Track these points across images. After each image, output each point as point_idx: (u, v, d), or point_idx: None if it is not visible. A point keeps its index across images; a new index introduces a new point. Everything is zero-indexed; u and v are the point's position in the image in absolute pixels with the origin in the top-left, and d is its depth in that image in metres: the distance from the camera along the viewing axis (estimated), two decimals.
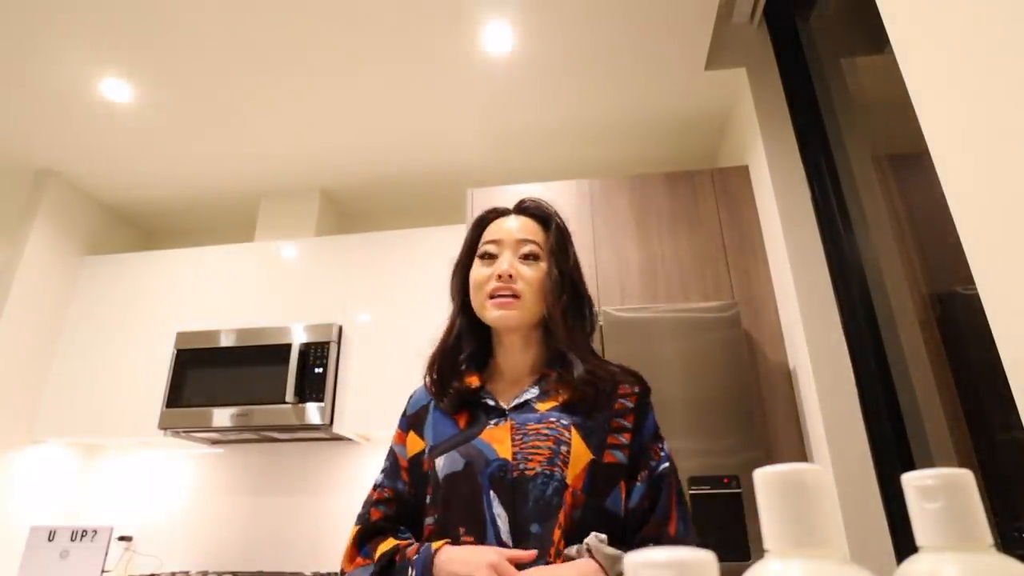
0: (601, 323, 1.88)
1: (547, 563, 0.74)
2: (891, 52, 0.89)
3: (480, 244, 0.97)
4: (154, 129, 2.53)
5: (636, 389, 0.89)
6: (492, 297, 0.90)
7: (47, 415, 2.61)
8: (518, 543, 0.76)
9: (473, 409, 0.90)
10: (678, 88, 2.36)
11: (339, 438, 2.55)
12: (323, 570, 2.46)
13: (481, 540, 0.78)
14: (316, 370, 2.41)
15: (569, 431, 0.82)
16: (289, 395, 2.35)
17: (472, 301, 0.95)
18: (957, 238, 0.76)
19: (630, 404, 0.87)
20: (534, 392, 0.88)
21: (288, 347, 2.45)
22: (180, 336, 2.56)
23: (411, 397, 1.04)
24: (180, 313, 2.70)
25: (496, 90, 2.36)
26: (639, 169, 2.83)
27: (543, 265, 0.92)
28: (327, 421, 2.34)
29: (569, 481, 0.78)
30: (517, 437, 0.82)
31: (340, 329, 2.52)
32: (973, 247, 0.74)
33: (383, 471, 0.97)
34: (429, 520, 0.84)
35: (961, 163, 0.76)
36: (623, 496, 0.82)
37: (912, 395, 1.50)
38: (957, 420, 1.35)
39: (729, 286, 2.05)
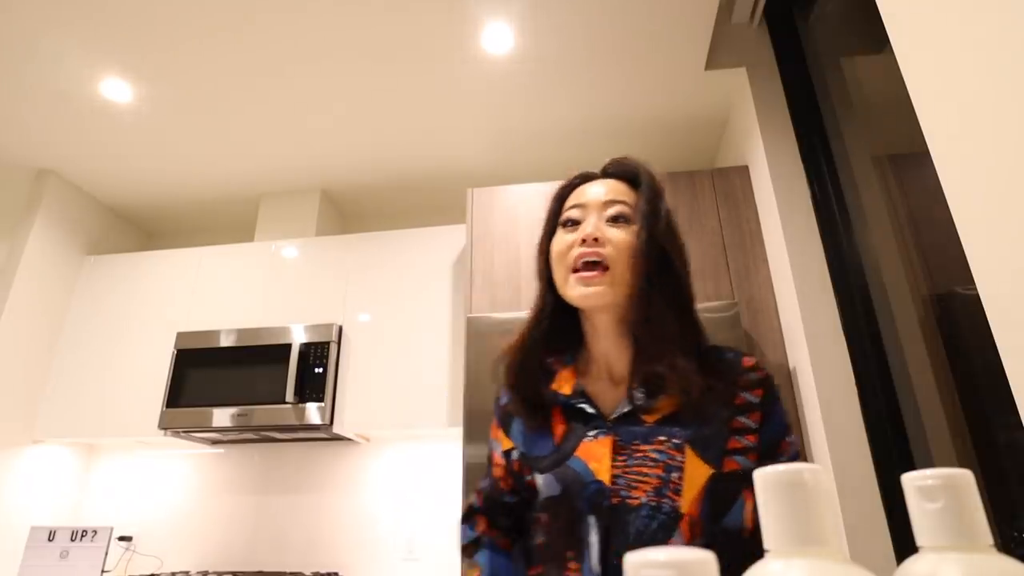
0: None
1: None
2: (891, 52, 0.89)
3: (563, 211, 0.84)
4: (154, 129, 2.53)
5: (758, 376, 0.76)
6: (575, 271, 0.77)
7: (47, 415, 2.61)
8: (606, 573, 0.68)
9: (568, 416, 0.78)
10: (678, 88, 2.36)
11: (339, 438, 2.55)
12: (323, 570, 2.46)
13: (581, 566, 0.70)
14: (316, 370, 2.41)
15: (682, 451, 0.70)
16: (289, 395, 2.35)
17: (554, 277, 0.81)
18: (957, 238, 0.76)
19: (754, 399, 0.74)
20: (640, 396, 0.74)
21: (288, 347, 2.45)
22: (180, 336, 2.56)
23: (500, 397, 0.90)
24: (180, 313, 2.70)
25: (496, 90, 2.36)
26: None
27: (634, 228, 0.78)
28: (327, 421, 2.34)
29: (684, 509, 0.68)
30: (620, 457, 0.71)
31: (340, 329, 2.53)
32: (973, 247, 0.74)
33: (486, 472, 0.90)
34: (540, 538, 0.76)
35: (961, 163, 0.76)
36: (748, 508, 0.69)
37: (912, 395, 1.50)
38: (957, 420, 1.35)
39: (729, 286, 2.05)
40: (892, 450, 1.55)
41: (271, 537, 2.57)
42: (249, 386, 2.43)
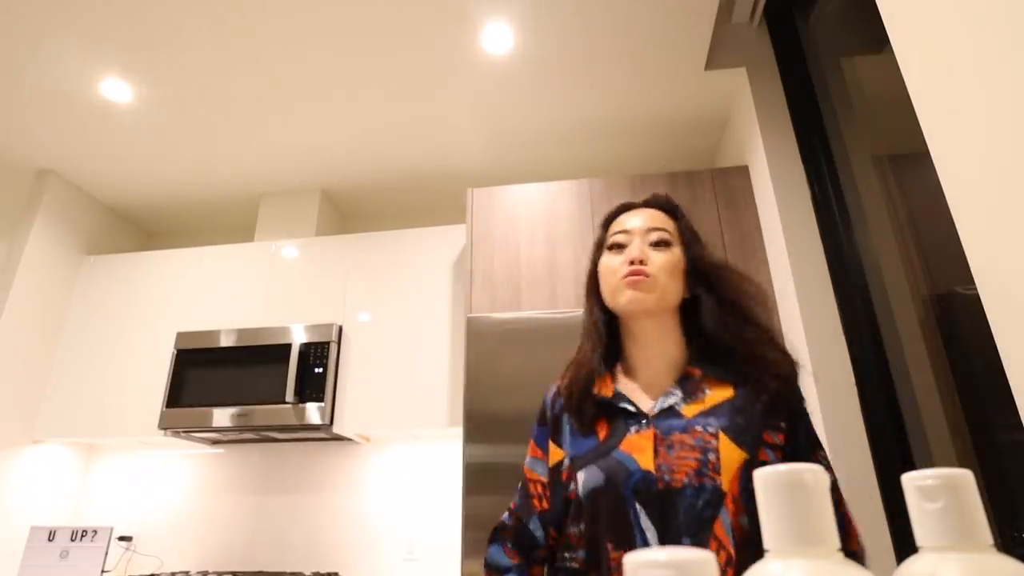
0: None
1: None
2: (891, 52, 0.89)
3: (608, 237, 0.94)
4: (154, 129, 2.53)
5: (784, 373, 0.82)
6: (625, 277, 0.86)
7: (47, 415, 2.61)
8: None
9: (612, 416, 0.85)
10: (678, 88, 2.36)
11: (339, 438, 2.55)
12: (323, 570, 2.46)
13: (625, 550, 0.74)
14: (316, 370, 2.41)
15: (716, 437, 0.77)
16: (289, 395, 2.35)
17: (603, 291, 0.91)
18: (957, 238, 0.76)
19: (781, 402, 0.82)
20: (677, 395, 0.83)
21: (288, 347, 2.45)
22: (180, 336, 2.56)
23: (545, 401, 0.97)
24: (180, 313, 2.70)
25: (496, 90, 2.36)
26: (639, 169, 2.83)
27: (676, 250, 0.88)
28: (327, 421, 2.34)
29: (726, 487, 0.74)
30: (661, 448, 0.78)
31: (340, 329, 2.53)
32: (973, 247, 0.74)
33: (518, 490, 0.94)
34: (573, 529, 0.82)
35: (961, 163, 0.76)
36: None
37: (912, 395, 1.50)
38: (957, 420, 1.35)
39: None
40: (892, 450, 1.55)
41: (271, 537, 2.57)
42: (249, 386, 2.43)
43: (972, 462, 1.28)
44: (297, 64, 2.20)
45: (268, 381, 2.41)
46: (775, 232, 1.95)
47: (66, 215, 2.86)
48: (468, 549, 1.70)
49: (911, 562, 0.31)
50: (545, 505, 0.89)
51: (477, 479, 1.76)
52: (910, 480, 0.32)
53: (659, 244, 0.88)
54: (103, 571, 2.26)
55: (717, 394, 0.82)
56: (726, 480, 0.74)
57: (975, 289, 0.74)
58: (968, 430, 1.31)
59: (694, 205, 2.21)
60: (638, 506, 0.76)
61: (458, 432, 2.24)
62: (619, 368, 0.91)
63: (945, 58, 0.78)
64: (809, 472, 0.30)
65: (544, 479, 0.90)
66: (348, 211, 3.22)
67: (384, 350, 2.49)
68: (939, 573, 0.30)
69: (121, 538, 2.59)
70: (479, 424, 1.81)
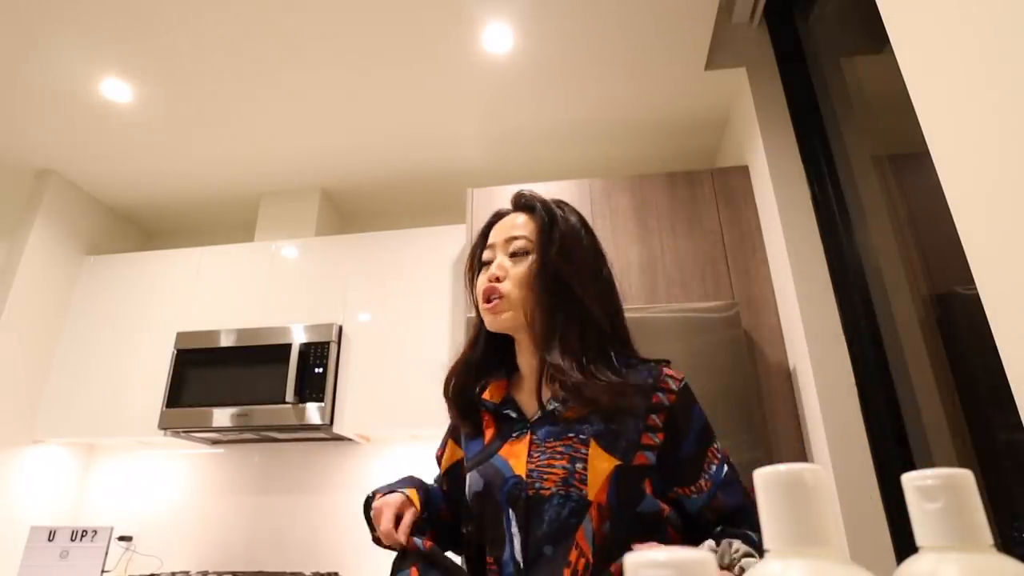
0: None
1: None
2: (891, 51, 0.89)
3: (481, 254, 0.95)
4: (154, 129, 2.53)
5: (673, 385, 0.83)
6: (486, 300, 0.87)
7: (47, 415, 2.61)
8: (530, 564, 0.75)
9: (499, 421, 0.87)
10: (678, 88, 2.36)
11: (339, 438, 2.55)
12: (323, 570, 2.46)
13: (500, 559, 0.77)
14: (316, 370, 2.41)
15: (587, 445, 0.78)
16: (289, 395, 2.35)
17: (479, 311, 0.92)
18: (957, 238, 0.76)
19: (666, 401, 0.81)
20: (556, 400, 0.83)
21: (288, 347, 2.45)
22: (180, 336, 2.56)
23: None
24: (180, 313, 2.70)
25: (496, 90, 2.36)
26: (639, 169, 2.83)
27: (532, 257, 0.87)
28: (327, 421, 2.34)
29: (592, 497, 0.75)
30: (535, 454, 0.79)
31: (340, 329, 2.53)
32: (973, 247, 0.74)
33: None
34: (464, 530, 0.87)
35: (961, 163, 0.76)
36: (649, 491, 0.78)
37: (912, 395, 1.50)
38: (957, 420, 1.35)
39: (729, 286, 2.05)
40: (892, 450, 1.55)
41: (271, 537, 2.57)
42: (249, 386, 2.43)
43: (972, 462, 1.28)
44: (297, 64, 2.20)
45: (268, 381, 2.41)
46: (775, 232, 1.95)
47: (66, 215, 2.86)
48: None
49: (911, 562, 0.31)
50: (445, 488, 0.94)
51: None
52: (910, 480, 0.32)
53: (516, 254, 0.88)
54: (103, 571, 2.25)
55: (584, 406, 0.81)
56: (593, 490, 0.75)
57: (975, 289, 0.74)
58: (968, 430, 1.31)
59: (694, 205, 2.21)
60: (511, 512, 0.78)
61: None
62: (515, 376, 0.93)
63: (945, 58, 0.78)
64: (809, 472, 0.30)
65: (443, 471, 0.96)
66: (348, 211, 3.22)
67: (384, 350, 2.49)
68: (939, 573, 0.30)
69: (121, 538, 2.59)
70: None
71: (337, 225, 3.16)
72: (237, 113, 2.45)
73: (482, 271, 0.92)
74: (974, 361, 1.27)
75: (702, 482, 0.78)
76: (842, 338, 1.72)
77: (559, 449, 0.79)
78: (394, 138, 2.65)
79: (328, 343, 2.45)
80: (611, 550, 0.74)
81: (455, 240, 2.59)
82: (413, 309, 2.53)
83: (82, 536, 2.30)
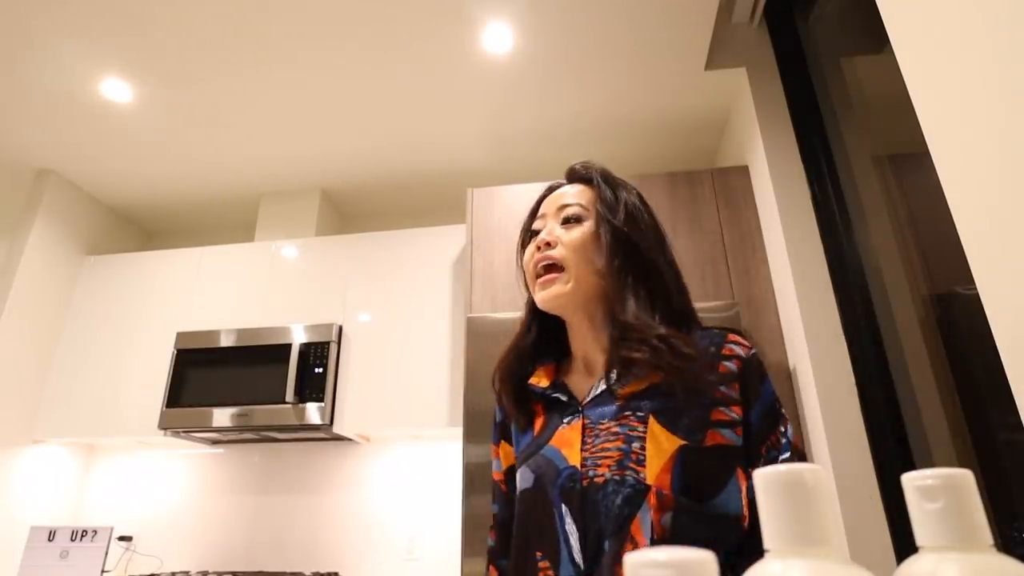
0: None
1: None
2: (891, 52, 0.89)
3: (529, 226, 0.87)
4: (154, 129, 2.53)
5: (740, 352, 0.73)
6: (538, 277, 0.79)
7: (47, 415, 2.61)
8: (591, 563, 0.65)
9: (548, 408, 0.78)
10: (678, 88, 2.36)
11: (339, 438, 2.55)
12: (323, 570, 2.46)
13: (556, 562, 0.67)
14: (316, 370, 2.41)
15: (645, 423, 0.68)
16: (289, 395, 2.35)
17: (529, 288, 0.84)
18: (957, 238, 0.76)
19: (734, 368, 0.71)
20: (613, 376, 0.73)
21: (288, 347, 2.45)
22: (180, 336, 2.56)
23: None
24: (180, 313, 2.70)
25: (496, 90, 2.36)
26: (639, 169, 2.82)
27: (588, 224, 0.80)
28: (327, 421, 2.34)
29: (651, 481, 0.65)
30: (588, 439, 0.70)
31: (340, 329, 2.53)
32: (973, 247, 0.74)
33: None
34: (514, 538, 0.76)
35: (961, 163, 0.76)
36: (743, 489, 0.65)
37: (912, 395, 1.50)
38: (957, 420, 1.35)
39: (729, 286, 2.05)
40: (892, 450, 1.55)
41: (271, 537, 2.57)
42: (249, 386, 2.43)
43: (972, 462, 1.28)
44: (297, 64, 2.20)
45: (268, 381, 2.41)
46: (775, 232, 1.95)
47: (66, 215, 2.86)
48: (468, 549, 1.70)
49: (911, 562, 0.31)
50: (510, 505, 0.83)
51: (477, 479, 1.76)
52: (910, 480, 0.32)
53: (569, 221, 0.81)
54: (103, 571, 2.25)
55: (653, 371, 0.71)
56: (651, 472, 0.65)
57: (975, 289, 0.74)
58: (968, 430, 1.31)
59: (694, 205, 2.21)
60: (564, 508, 0.68)
61: (458, 432, 2.24)
62: (565, 360, 0.85)
63: (945, 58, 0.78)
64: (809, 472, 0.30)
65: (502, 475, 0.86)
66: (348, 211, 3.22)
67: (384, 350, 2.49)
68: (939, 573, 0.30)
69: (121, 538, 2.59)
70: (479, 424, 1.81)
71: (337, 225, 3.16)
72: (237, 113, 2.45)
73: (530, 244, 0.84)
74: (974, 361, 1.27)
75: (760, 463, 0.67)
76: (842, 338, 1.72)
77: (614, 429, 0.69)
78: (394, 138, 2.64)
79: (328, 343, 2.45)
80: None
81: (455, 240, 2.59)
82: (413, 309, 2.53)
83: (82, 536, 2.30)
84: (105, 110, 2.40)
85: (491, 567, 0.83)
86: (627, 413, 0.70)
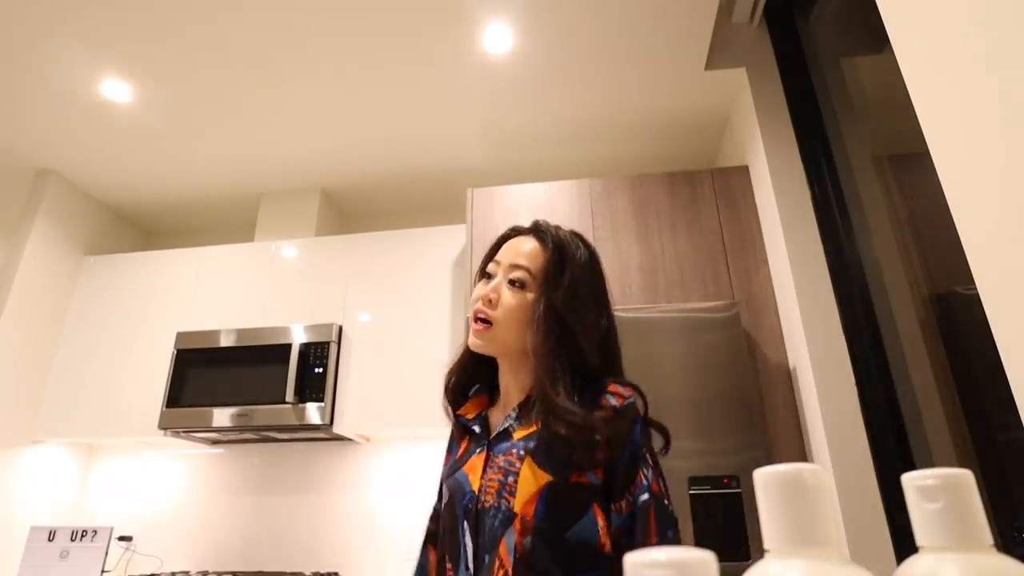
0: None
1: None
2: (891, 52, 0.89)
3: (487, 262, 0.96)
4: (154, 129, 2.53)
5: (614, 402, 0.81)
6: (475, 320, 0.89)
7: (47, 415, 2.61)
8: (477, 572, 0.79)
9: (470, 436, 0.91)
10: (678, 88, 2.36)
11: (339, 438, 2.55)
12: (323, 570, 2.46)
13: (457, 568, 0.82)
14: (316, 370, 2.41)
15: (522, 460, 0.80)
16: (289, 395, 2.35)
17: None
18: (957, 238, 0.76)
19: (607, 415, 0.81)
20: (512, 417, 0.87)
21: (288, 347, 2.45)
22: (180, 336, 2.56)
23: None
24: (180, 313, 2.70)
25: (496, 90, 2.36)
26: (639, 169, 2.83)
27: (529, 295, 0.88)
28: (327, 421, 2.34)
29: (517, 509, 0.77)
30: (488, 469, 0.83)
31: (340, 329, 2.53)
32: (973, 247, 0.74)
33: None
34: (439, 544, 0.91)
35: (961, 163, 0.76)
36: (601, 526, 0.76)
37: (912, 395, 1.50)
38: (957, 420, 1.35)
39: (729, 286, 2.05)
40: (892, 450, 1.55)
41: (271, 537, 2.57)
42: (249, 386, 2.43)
43: (972, 462, 1.28)
44: (297, 65, 2.20)
45: (268, 381, 2.41)
46: (775, 232, 1.95)
47: (66, 215, 2.86)
48: None
49: (911, 562, 0.31)
50: None
51: None
52: (910, 480, 0.32)
53: (515, 283, 0.89)
54: (103, 571, 2.25)
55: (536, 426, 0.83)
56: (519, 502, 0.77)
57: (975, 289, 0.74)
58: (968, 430, 1.31)
59: (694, 205, 2.21)
60: (465, 524, 0.82)
61: None
62: (496, 392, 0.96)
63: (945, 58, 0.78)
64: (809, 472, 0.30)
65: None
66: (348, 211, 3.22)
67: (384, 350, 2.49)
68: (939, 573, 0.30)
69: (121, 538, 2.59)
70: None
71: (337, 225, 3.16)
72: (237, 113, 2.45)
73: (481, 281, 0.94)
74: (974, 361, 1.27)
75: (623, 503, 0.77)
76: (842, 338, 1.72)
77: (500, 463, 0.82)
78: (394, 138, 2.65)
79: (328, 343, 2.45)
80: (531, 567, 0.74)
81: (455, 240, 2.59)
82: (413, 309, 2.53)
83: (82, 536, 2.30)
84: (105, 110, 2.40)
85: (431, 547, 0.99)
86: (512, 450, 0.82)
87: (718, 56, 2.18)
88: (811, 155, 1.91)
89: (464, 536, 0.81)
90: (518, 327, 0.87)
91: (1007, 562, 0.29)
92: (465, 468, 0.86)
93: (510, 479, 0.79)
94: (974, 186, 0.74)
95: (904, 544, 1.46)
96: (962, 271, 0.75)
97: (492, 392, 0.97)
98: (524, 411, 0.86)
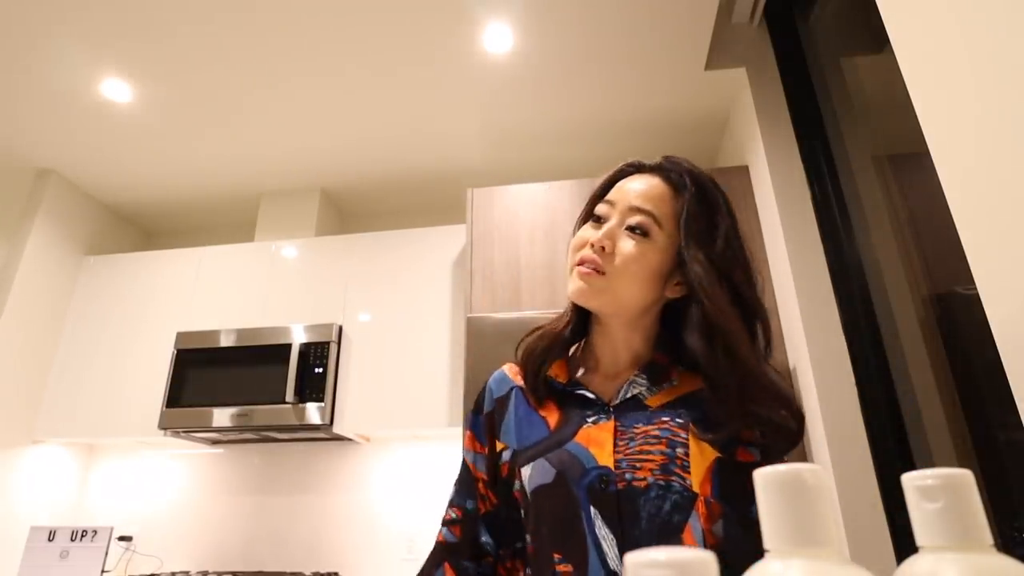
0: None
1: None
2: (891, 52, 0.89)
3: (594, 203, 0.80)
4: (154, 129, 2.53)
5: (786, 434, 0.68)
6: (579, 264, 0.72)
7: (47, 415, 2.61)
8: None
9: (565, 404, 0.74)
10: (678, 88, 2.36)
11: (339, 438, 2.55)
12: (323, 570, 2.46)
13: (583, 567, 0.64)
14: (316, 370, 2.41)
15: (686, 429, 0.67)
16: (289, 395, 2.35)
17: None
18: (957, 238, 0.76)
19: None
20: (643, 383, 0.72)
21: (288, 347, 2.45)
22: (180, 336, 2.56)
23: (485, 388, 0.84)
24: (180, 313, 2.70)
25: (496, 90, 2.36)
26: None
27: (656, 242, 0.72)
28: (327, 421, 2.34)
29: (697, 488, 0.63)
30: (621, 442, 0.67)
31: (340, 329, 2.52)
32: (973, 247, 0.74)
33: (455, 483, 0.82)
34: (529, 540, 0.71)
35: (961, 163, 0.76)
36: None
37: (912, 395, 1.50)
38: (957, 420, 1.35)
39: None
40: (892, 450, 1.55)
41: (271, 537, 2.57)
42: (249, 386, 2.43)
43: (972, 462, 1.27)
44: (297, 64, 2.20)
45: (268, 381, 2.41)
46: (775, 232, 1.95)
47: (66, 215, 2.86)
48: None
49: (911, 562, 0.31)
50: (490, 507, 0.78)
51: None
52: (910, 480, 0.32)
53: (635, 229, 0.73)
54: (103, 571, 2.25)
55: (687, 383, 0.72)
56: (696, 480, 0.64)
57: (975, 289, 0.74)
58: (968, 430, 1.31)
59: None
60: (593, 510, 0.65)
61: (458, 432, 2.24)
62: (579, 352, 0.80)
63: (945, 58, 0.78)
64: (809, 472, 0.30)
65: (486, 477, 0.79)
66: (348, 211, 3.22)
67: (384, 350, 2.49)
68: (939, 573, 0.30)
69: (121, 538, 2.59)
70: None
71: (337, 225, 3.16)
72: (237, 113, 2.45)
73: (587, 224, 0.77)
74: (974, 361, 1.27)
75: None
76: (842, 338, 1.72)
77: (654, 433, 0.67)
78: (394, 138, 2.64)
79: (328, 343, 2.45)
80: (723, 563, 0.63)
81: (455, 240, 2.59)
82: (413, 309, 2.53)
83: (82, 536, 2.30)
84: (105, 110, 2.40)
85: (447, 566, 0.76)
86: (664, 419, 0.68)
87: (718, 56, 2.18)
88: (811, 155, 1.91)
89: (594, 526, 0.64)
90: (638, 284, 0.71)
91: (1007, 562, 0.29)
92: (579, 440, 0.69)
93: (679, 451, 0.65)
94: (974, 186, 0.74)
95: (904, 544, 1.46)
96: (962, 271, 0.75)
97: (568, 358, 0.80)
98: (655, 374, 0.72)
